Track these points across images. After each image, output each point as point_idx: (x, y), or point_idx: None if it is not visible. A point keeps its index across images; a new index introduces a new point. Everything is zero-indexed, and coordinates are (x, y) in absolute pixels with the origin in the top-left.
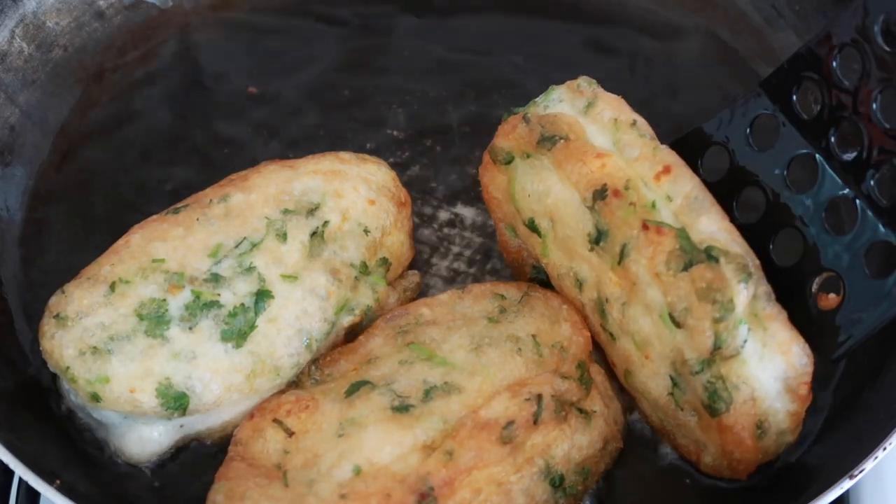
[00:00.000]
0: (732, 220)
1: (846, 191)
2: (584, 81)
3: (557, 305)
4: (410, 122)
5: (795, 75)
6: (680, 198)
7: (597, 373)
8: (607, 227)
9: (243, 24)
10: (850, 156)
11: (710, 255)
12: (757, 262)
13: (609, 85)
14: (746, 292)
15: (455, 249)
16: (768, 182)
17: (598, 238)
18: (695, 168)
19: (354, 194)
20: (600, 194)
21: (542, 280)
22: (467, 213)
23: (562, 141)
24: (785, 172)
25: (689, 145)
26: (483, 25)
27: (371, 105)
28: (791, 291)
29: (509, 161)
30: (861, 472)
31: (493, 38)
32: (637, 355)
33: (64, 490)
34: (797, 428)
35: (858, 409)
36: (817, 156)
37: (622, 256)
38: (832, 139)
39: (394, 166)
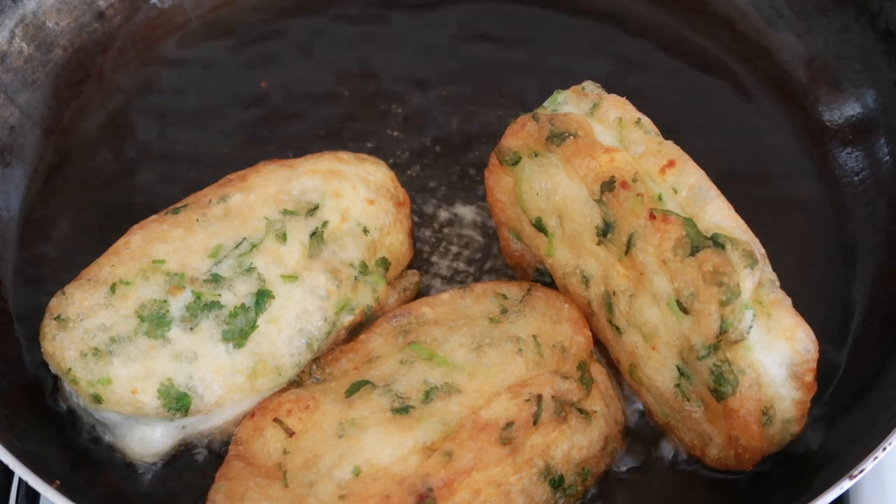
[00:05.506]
0: None
1: None
2: (589, 85)
3: (559, 305)
4: (410, 122)
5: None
6: (685, 189)
7: (598, 372)
8: (614, 219)
9: (243, 23)
10: None
11: (716, 242)
12: (762, 250)
13: (609, 86)
14: (752, 278)
15: (454, 249)
16: None
17: (605, 230)
18: None
19: (353, 194)
20: (608, 186)
21: (544, 282)
22: (466, 212)
23: (571, 137)
24: None
25: None
26: (483, 24)
27: (371, 105)
28: None
29: (516, 161)
30: (861, 472)
31: (493, 36)
32: (644, 347)
33: (64, 490)
34: (803, 418)
35: (858, 409)
36: None
37: (629, 246)
38: None
39: (393, 166)
